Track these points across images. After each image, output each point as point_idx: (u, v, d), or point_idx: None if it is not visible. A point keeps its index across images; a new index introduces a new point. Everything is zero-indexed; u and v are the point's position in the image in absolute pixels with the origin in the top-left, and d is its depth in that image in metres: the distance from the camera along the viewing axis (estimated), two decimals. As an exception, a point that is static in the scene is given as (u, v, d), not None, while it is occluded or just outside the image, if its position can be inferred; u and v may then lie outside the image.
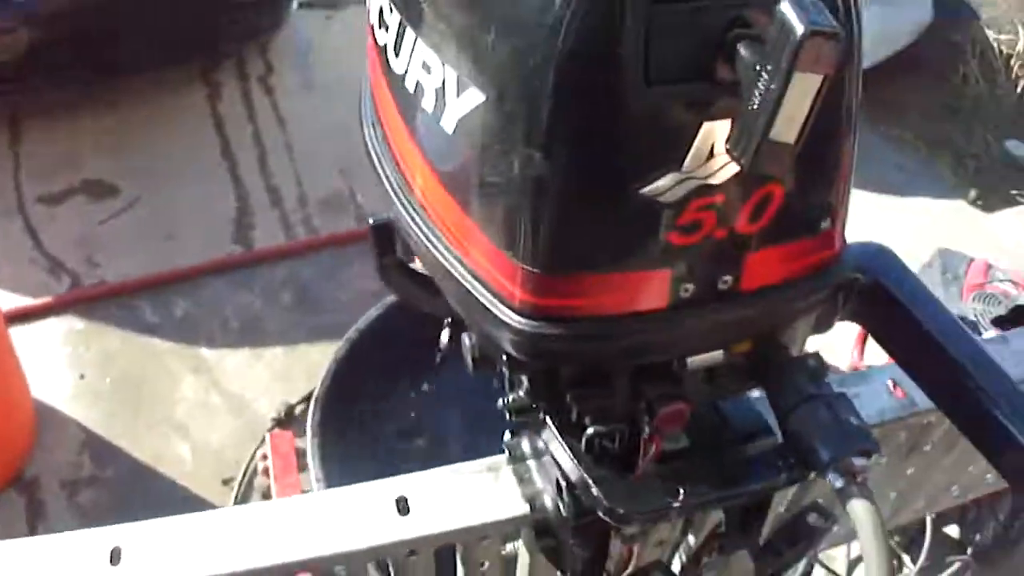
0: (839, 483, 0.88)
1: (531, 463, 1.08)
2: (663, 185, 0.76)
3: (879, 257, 1.08)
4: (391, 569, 1.13)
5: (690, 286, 0.83)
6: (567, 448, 0.92)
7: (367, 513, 1.04)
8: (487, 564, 1.16)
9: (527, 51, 0.72)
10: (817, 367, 0.97)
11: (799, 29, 0.61)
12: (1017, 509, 2.75)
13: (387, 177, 0.99)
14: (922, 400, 1.30)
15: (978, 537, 2.76)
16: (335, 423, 1.74)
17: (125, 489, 2.86)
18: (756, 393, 1.00)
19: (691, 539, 1.14)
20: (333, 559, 1.02)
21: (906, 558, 2.76)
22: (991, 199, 4.24)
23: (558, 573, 1.21)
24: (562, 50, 0.70)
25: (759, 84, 0.65)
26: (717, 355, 0.91)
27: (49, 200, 3.69)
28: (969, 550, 2.76)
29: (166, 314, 3.32)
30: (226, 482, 2.86)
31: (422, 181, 0.89)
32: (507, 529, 1.07)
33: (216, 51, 4.29)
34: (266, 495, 2.74)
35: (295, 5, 4.47)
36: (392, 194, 0.97)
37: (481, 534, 1.06)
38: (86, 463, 2.90)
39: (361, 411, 1.93)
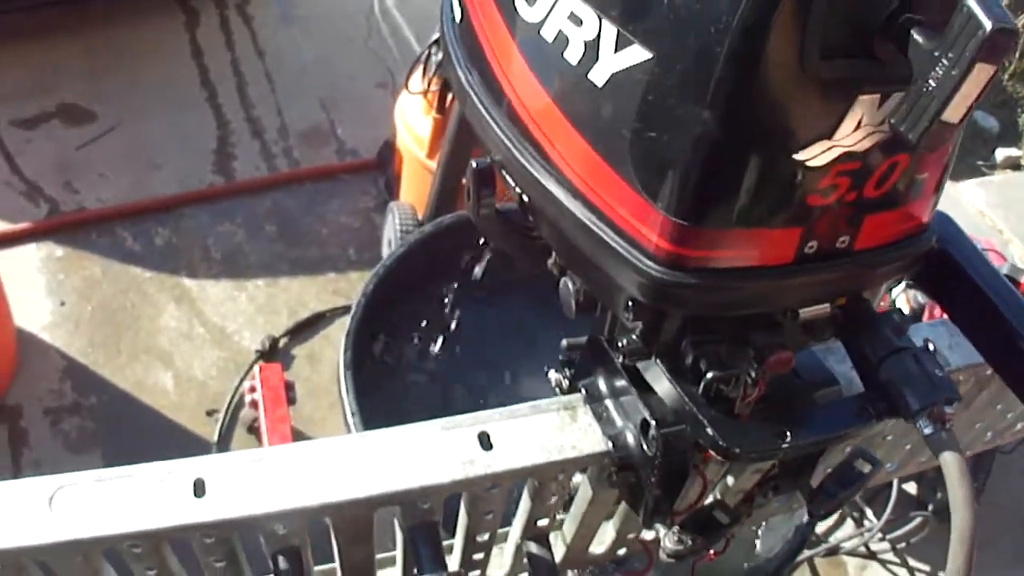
0: (928, 429, 0.95)
1: (609, 402, 1.12)
2: (814, 151, 0.80)
3: (946, 226, 1.13)
4: (464, 503, 1.17)
5: (814, 244, 0.88)
6: (681, 389, 0.97)
7: (452, 448, 1.06)
8: (555, 498, 1.20)
9: (707, 17, 0.75)
10: (900, 322, 1.03)
11: (988, 25, 0.67)
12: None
13: (495, 121, 1.02)
14: (954, 360, 1.36)
15: (938, 495, 2.88)
16: (365, 357, 1.76)
17: (109, 418, 2.86)
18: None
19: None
20: (420, 492, 1.04)
21: (869, 512, 2.86)
22: (956, 168, 4.34)
23: (617, 506, 1.27)
24: (744, 20, 0.74)
25: (936, 69, 0.70)
26: (825, 308, 0.97)
27: (23, 124, 3.62)
28: (929, 506, 2.88)
29: (147, 243, 3.30)
30: (210, 413, 2.87)
31: (551, 128, 0.92)
32: (586, 464, 1.11)
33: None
34: (252, 428, 2.75)
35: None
36: (503, 138, 1.00)
37: (560, 469, 1.10)
38: (68, 391, 2.89)
39: (390, 345, 1.94)
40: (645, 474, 1.05)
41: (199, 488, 0.98)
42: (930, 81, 0.72)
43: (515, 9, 0.95)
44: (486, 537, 1.23)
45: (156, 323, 3.07)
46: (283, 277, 3.28)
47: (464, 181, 1.11)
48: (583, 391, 1.15)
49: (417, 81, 3.09)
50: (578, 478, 1.23)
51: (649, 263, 0.88)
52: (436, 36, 3.03)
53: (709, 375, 0.95)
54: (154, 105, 3.76)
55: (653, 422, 1.02)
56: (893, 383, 0.99)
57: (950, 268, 1.10)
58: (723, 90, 0.77)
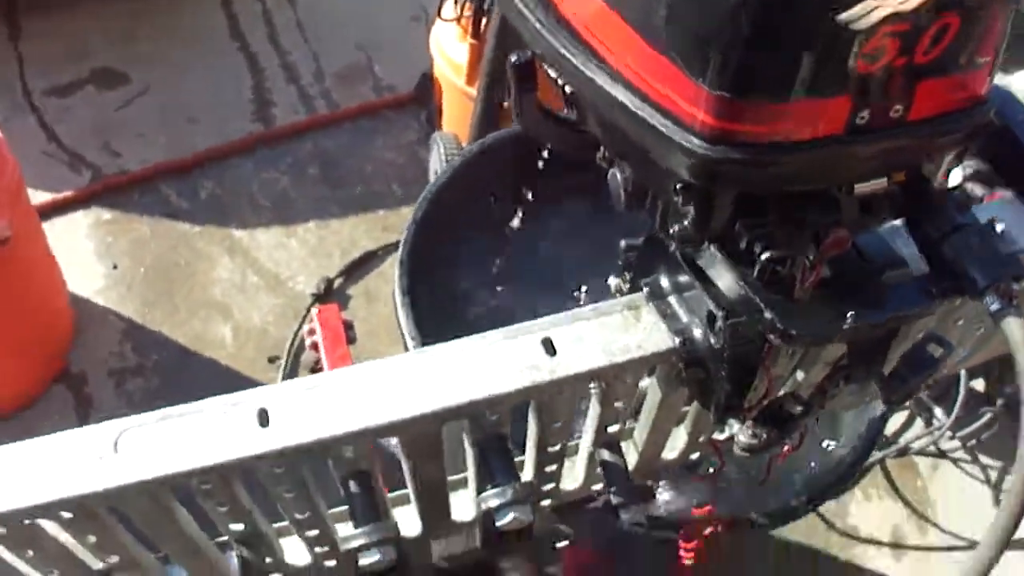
0: (995, 306, 0.95)
1: (672, 299, 1.12)
2: (858, 11, 0.79)
3: (1007, 101, 1.11)
4: (532, 412, 1.18)
5: (866, 114, 0.87)
6: (737, 275, 0.97)
7: (515, 355, 1.07)
8: (623, 402, 1.21)
9: None
10: (963, 198, 1.01)
11: None
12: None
13: (531, 13, 1.01)
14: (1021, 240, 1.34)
15: (1007, 390, 2.84)
16: (420, 285, 1.77)
17: (171, 374, 2.92)
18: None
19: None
20: (486, 402, 1.06)
21: (938, 411, 2.83)
22: (1011, 57, 4.25)
23: (685, 407, 1.27)
24: None
25: None
26: (881, 182, 0.96)
27: (59, 92, 3.67)
28: (999, 402, 2.84)
29: (193, 197, 3.34)
30: (272, 360, 2.91)
31: (588, 13, 0.92)
32: (653, 364, 1.12)
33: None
34: (315, 370, 2.78)
35: None
36: (541, 29, 0.99)
37: (627, 370, 1.11)
38: (129, 353, 2.95)
39: (444, 268, 1.95)
40: (714, 368, 1.06)
41: (263, 418, 1.00)
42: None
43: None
44: (557, 448, 1.24)
45: (210, 276, 3.12)
46: (332, 219, 3.31)
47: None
48: (645, 289, 1.15)
49: (450, 8, 3.08)
50: (646, 381, 1.24)
51: (695, 141, 0.88)
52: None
53: (764, 256, 0.94)
54: (187, 60, 3.79)
55: (720, 313, 1.02)
56: (957, 260, 0.99)
57: (1011, 142, 1.09)
58: (761, -49, 0.76)
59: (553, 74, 1.05)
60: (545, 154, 1.70)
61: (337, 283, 3.08)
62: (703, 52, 0.83)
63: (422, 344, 1.64)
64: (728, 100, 0.84)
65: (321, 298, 3.00)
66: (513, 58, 1.07)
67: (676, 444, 1.39)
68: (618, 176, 1.08)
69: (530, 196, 1.86)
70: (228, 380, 2.87)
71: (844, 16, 0.80)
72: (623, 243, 1.26)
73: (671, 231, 1.01)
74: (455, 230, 1.99)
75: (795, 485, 1.70)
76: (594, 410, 1.22)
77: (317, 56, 3.84)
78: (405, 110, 3.69)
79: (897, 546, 2.80)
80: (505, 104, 2.86)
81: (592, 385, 1.16)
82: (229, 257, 3.14)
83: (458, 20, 3.03)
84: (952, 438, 2.89)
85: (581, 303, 2.06)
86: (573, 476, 1.37)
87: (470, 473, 1.24)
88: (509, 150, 2.06)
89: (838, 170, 0.93)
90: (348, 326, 2.74)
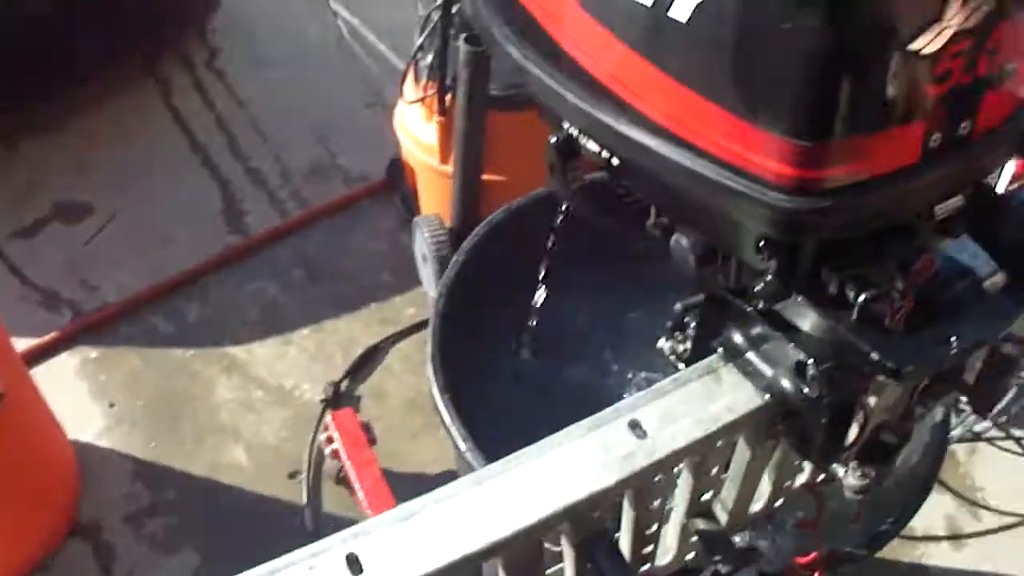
0: (1086, 303, 0.92)
1: (750, 355, 1.10)
2: (927, 37, 0.79)
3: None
4: (627, 499, 1.15)
5: (938, 136, 0.87)
6: (825, 320, 0.95)
7: (605, 445, 1.04)
8: (716, 468, 1.18)
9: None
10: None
11: None
12: None
13: (566, 89, 1.00)
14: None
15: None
16: (455, 375, 1.74)
17: (191, 508, 2.85)
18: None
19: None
20: (587, 502, 1.02)
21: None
22: None
23: (771, 465, 1.25)
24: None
25: None
26: (959, 200, 0.95)
27: (23, 234, 3.62)
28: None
29: (181, 321, 3.29)
30: (292, 475, 2.86)
31: (635, 81, 0.91)
32: (745, 425, 1.09)
33: (159, 38, 4.21)
34: (339, 479, 2.74)
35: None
36: (580, 104, 0.98)
37: (722, 437, 1.08)
38: (142, 493, 2.89)
39: (477, 356, 1.92)
40: (813, 416, 1.04)
41: (354, 565, 0.94)
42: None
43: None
44: (654, 528, 1.21)
45: (212, 400, 3.06)
46: (326, 320, 3.28)
47: (546, 159, 1.08)
48: (719, 350, 1.13)
49: (411, 90, 3.07)
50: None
51: (777, 195, 0.86)
52: (419, 40, 3.01)
53: (861, 298, 0.93)
54: (150, 182, 3.75)
55: (810, 360, 1.00)
56: (1043, 262, 0.97)
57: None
58: (830, -4, 0.75)
59: (596, 147, 1.03)
60: (558, 222, 1.69)
61: (344, 385, 3.03)
62: (776, 103, 0.82)
63: (473, 442, 1.60)
64: (807, 148, 0.83)
65: (331, 403, 2.94)
66: (552, 139, 1.05)
67: (761, 494, 1.36)
68: (683, 242, 1.06)
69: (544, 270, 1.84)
70: (251, 505, 2.80)
71: (915, 45, 0.79)
72: (679, 305, 1.24)
73: (754, 290, 0.99)
74: (479, 315, 1.96)
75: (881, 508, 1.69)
76: (686, 482, 1.19)
77: (279, 157, 3.82)
78: (378, 198, 3.68)
79: (955, 537, 2.78)
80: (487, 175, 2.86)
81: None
82: (228, 376, 3.09)
83: (422, 100, 3.02)
84: (984, 419, 2.90)
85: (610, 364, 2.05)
86: (664, 550, 1.34)
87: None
88: (512, 227, 2.03)
89: (919, 196, 0.92)
90: (366, 428, 2.72)
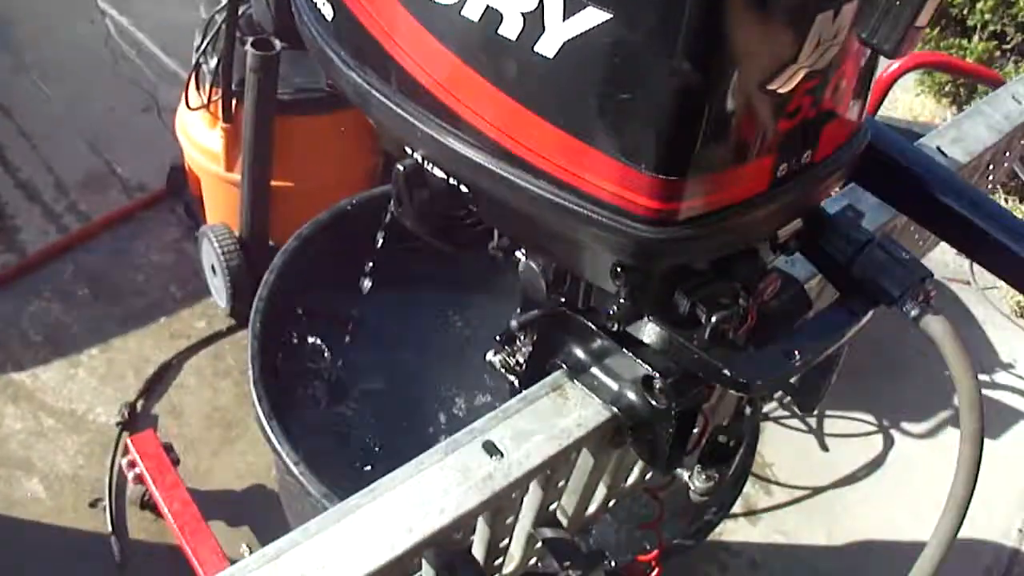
0: (915, 311, 1.01)
1: (595, 370, 1.14)
2: (783, 77, 0.83)
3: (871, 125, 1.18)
4: (483, 519, 1.17)
5: (784, 165, 0.93)
6: (682, 340, 0.99)
7: (463, 468, 1.06)
8: (562, 482, 1.22)
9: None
10: (855, 216, 1.08)
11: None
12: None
13: (414, 117, 1.00)
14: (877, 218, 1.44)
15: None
16: (277, 397, 1.71)
17: (-14, 547, 2.67)
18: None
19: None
20: (453, 526, 1.04)
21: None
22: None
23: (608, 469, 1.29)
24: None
25: None
26: (798, 223, 1.01)
27: None
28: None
29: (-41, 349, 3.09)
30: (93, 504, 2.74)
31: (495, 113, 0.92)
32: (595, 437, 1.13)
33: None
34: (144, 503, 2.65)
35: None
36: (430, 132, 0.99)
37: (574, 450, 1.12)
38: (-71, 536, 2.69)
39: (297, 373, 1.90)
40: (661, 426, 1.08)
41: None
42: (900, -8, 0.75)
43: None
44: (506, 541, 1.23)
45: (0, 431, 2.89)
46: (114, 338, 3.15)
47: (392, 185, 1.08)
48: (563, 366, 1.16)
49: (195, 96, 2.99)
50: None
51: (640, 226, 0.90)
52: (199, 42, 2.93)
53: (714, 319, 0.97)
54: (-94, 203, 3.51)
55: (657, 374, 1.04)
56: (869, 278, 1.04)
57: (883, 163, 1.16)
58: (694, 37, 0.79)
59: (443, 174, 1.04)
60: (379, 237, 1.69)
61: (139, 405, 2.94)
62: (642, 139, 0.84)
63: (305, 465, 1.58)
64: (667, 182, 0.86)
65: (127, 425, 2.85)
66: (400, 167, 1.05)
67: (597, 497, 1.41)
68: (533, 266, 1.08)
69: (367, 282, 1.84)
70: (54, 539, 2.67)
71: (773, 85, 0.83)
72: (514, 322, 1.26)
73: (607, 310, 1.03)
74: (295, 331, 1.94)
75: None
76: (535, 495, 1.22)
77: (52, 167, 3.64)
78: (160, 207, 3.57)
79: (750, 513, 2.95)
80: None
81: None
82: (15, 405, 2.93)
83: (207, 107, 2.94)
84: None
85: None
86: (509, 559, 1.36)
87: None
88: (321, 239, 2.02)
89: (767, 222, 0.98)
90: (168, 448, 2.64)
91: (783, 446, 3.13)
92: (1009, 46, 4.26)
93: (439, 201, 1.05)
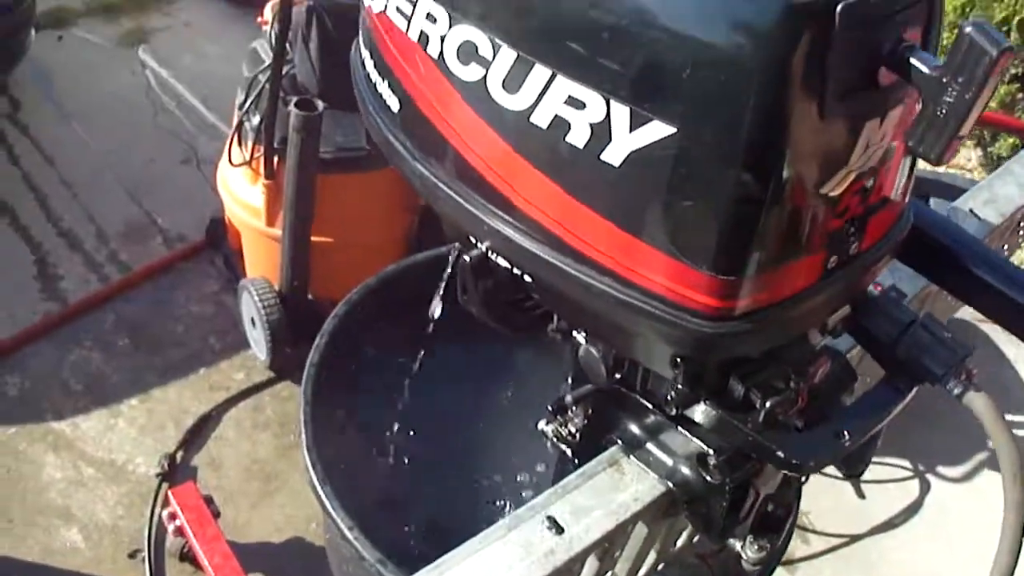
0: (957, 389, 1.06)
1: (650, 446, 1.19)
2: (835, 181, 0.89)
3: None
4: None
5: (834, 258, 0.98)
6: (737, 423, 1.05)
7: (527, 545, 1.11)
8: (618, 552, 1.26)
9: (731, 84, 0.82)
10: (898, 296, 1.13)
11: (993, 51, 0.77)
12: None
13: (484, 211, 1.05)
14: (909, 290, 1.49)
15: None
16: (330, 450, 1.77)
17: (24, 597, 2.73)
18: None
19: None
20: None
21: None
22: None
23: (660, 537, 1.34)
24: (764, 83, 0.82)
25: (947, 95, 0.80)
26: (847, 309, 1.06)
27: None
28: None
29: (1, 397, 3.16)
30: (132, 555, 2.79)
31: (562, 214, 0.97)
32: (652, 511, 1.18)
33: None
34: (183, 555, 2.71)
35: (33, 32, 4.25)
36: (500, 228, 1.04)
37: (631, 524, 1.16)
38: (-32, 583, 2.76)
39: (349, 439, 1.95)
40: (715, 500, 1.13)
41: None
42: (942, 105, 0.81)
43: (490, 97, 0.98)
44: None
45: (40, 479, 2.96)
46: (154, 388, 3.22)
47: (456, 274, 1.14)
48: (619, 442, 1.21)
49: (237, 152, 3.07)
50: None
51: (699, 321, 0.95)
52: (241, 99, 3.01)
53: (768, 404, 1.02)
54: (-46, 250, 3.60)
55: (711, 451, 1.10)
56: (913, 358, 1.09)
57: (923, 241, 1.21)
58: (754, 150, 0.85)
59: (509, 265, 1.09)
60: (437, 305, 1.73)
61: (179, 457, 3.00)
62: (703, 242, 0.90)
63: (360, 530, 1.63)
64: (727, 281, 0.91)
65: (167, 476, 2.91)
66: (466, 258, 1.10)
67: (648, 562, 1.45)
68: (593, 352, 1.14)
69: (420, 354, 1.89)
70: (91, 589, 2.72)
71: (825, 188, 0.89)
72: (568, 397, 1.31)
73: (666, 396, 1.08)
74: (347, 396, 1.99)
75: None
76: (592, 566, 1.26)
77: (93, 217, 3.74)
78: (199, 258, 3.65)
79: (787, 563, 2.97)
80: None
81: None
82: (55, 454, 3.00)
83: (249, 163, 3.02)
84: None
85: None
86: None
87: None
88: (372, 304, 2.08)
89: (819, 312, 1.03)
90: (209, 500, 2.69)
91: (820, 495, 3.15)
92: (1031, 88, 4.30)
93: (503, 290, 1.10)
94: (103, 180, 3.93)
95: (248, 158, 3.03)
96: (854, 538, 3.10)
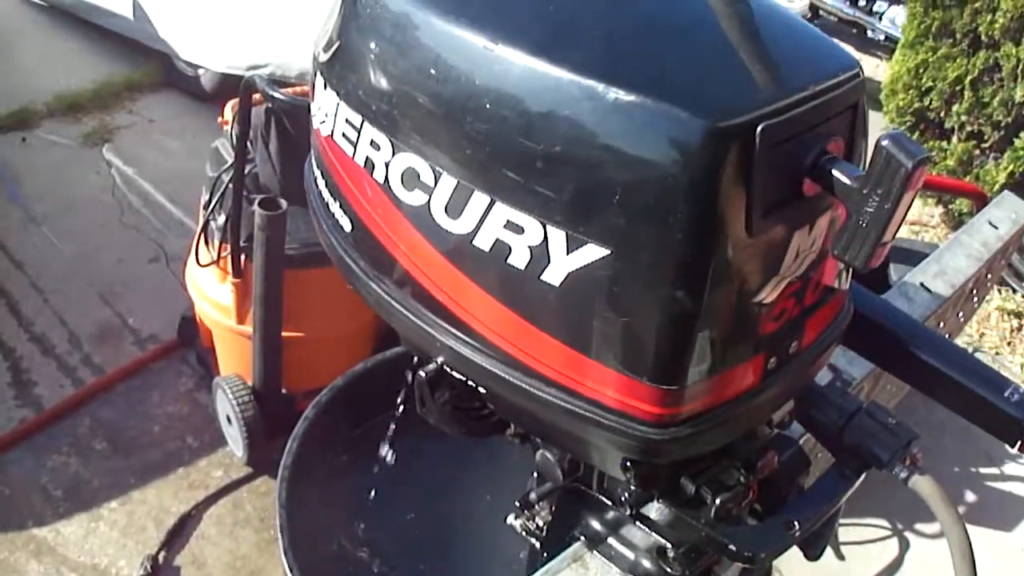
0: (904, 474, 1.10)
1: (611, 540, 1.22)
2: (767, 289, 0.93)
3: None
4: None
5: (774, 359, 1.02)
6: (690, 519, 1.08)
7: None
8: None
9: (660, 209, 0.87)
10: (842, 385, 1.17)
11: (908, 164, 0.81)
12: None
13: (432, 327, 1.09)
14: (856, 373, 1.53)
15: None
16: (309, 553, 1.78)
17: None
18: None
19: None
20: None
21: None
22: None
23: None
24: (691, 202, 0.86)
25: (867, 206, 0.84)
26: (791, 404, 1.10)
27: None
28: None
29: (-23, 508, 3.15)
30: (119, 661, 2.77)
31: (506, 329, 1.02)
32: (618, 607, 1.20)
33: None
34: (172, 657, 2.69)
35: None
36: (449, 343, 1.08)
37: (598, 621, 1.19)
38: None
39: (325, 543, 1.97)
40: (679, 589, 1.16)
41: None
42: (864, 216, 0.85)
43: (435, 221, 1.02)
44: None
45: (22, 587, 2.94)
46: (134, 490, 3.21)
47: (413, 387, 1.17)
48: (582, 538, 1.24)
49: (204, 252, 3.09)
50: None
51: (644, 428, 0.99)
52: (206, 199, 3.05)
53: (718, 501, 1.06)
54: (-76, 361, 3.60)
55: (669, 545, 1.13)
56: (860, 444, 1.13)
57: (865, 322, 1.25)
58: (685, 267, 0.90)
59: (462, 377, 1.13)
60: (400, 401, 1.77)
61: (162, 557, 2.99)
62: (643, 355, 0.94)
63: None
64: (670, 391, 0.95)
65: (151, 577, 2.90)
66: (422, 374, 1.14)
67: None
68: (549, 456, 1.17)
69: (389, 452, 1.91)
70: None
71: (759, 297, 0.93)
72: (533, 495, 1.34)
73: (620, 496, 1.11)
74: (322, 498, 2.01)
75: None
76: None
77: (65, 320, 3.75)
78: (172, 357, 3.66)
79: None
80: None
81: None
82: (37, 560, 2.99)
83: (216, 263, 3.05)
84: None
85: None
86: None
87: None
88: (341, 405, 2.10)
89: (762, 410, 1.07)
90: (194, 600, 2.68)
91: (799, 561, 3.14)
92: (987, 144, 4.38)
93: (460, 400, 1.13)
94: (73, 283, 3.95)
95: (215, 257, 3.05)
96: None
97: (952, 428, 3.26)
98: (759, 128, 0.86)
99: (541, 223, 0.93)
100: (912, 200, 0.86)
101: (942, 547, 2.83)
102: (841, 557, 3.18)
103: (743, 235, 0.90)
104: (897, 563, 3.19)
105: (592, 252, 0.91)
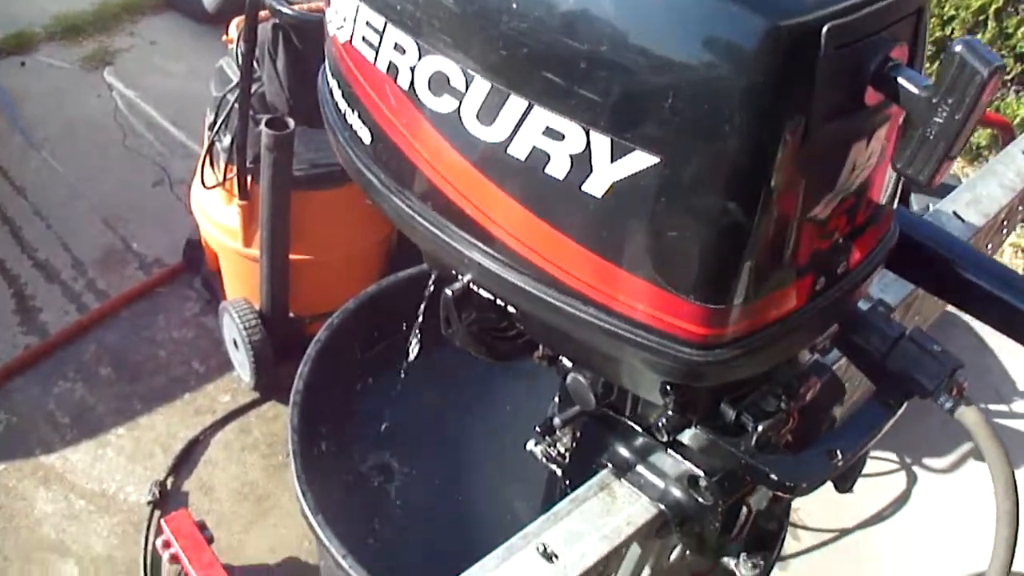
0: (949, 403, 1.04)
1: (640, 468, 1.17)
2: (821, 205, 0.87)
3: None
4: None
5: (822, 279, 0.97)
6: (729, 447, 1.03)
7: (521, 574, 1.09)
8: (613, 574, 1.25)
9: (716, 111, 0.80)
10: (885, 311, 1.11)
11: (984, 71, 0.74)
12: None
13: (463, 243, 1.02)
14: (891, 299, 1.48)
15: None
16: (321, 478, 1.74)
17: (23, 634, 2.70)
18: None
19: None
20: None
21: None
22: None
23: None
24: (749, 108, 0.79)
25: (937, 116, 0.78)
26: (835, 327, 1.04)
27: None
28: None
29: (-15, 435, 3.12)
30: (129, 585, 2.75)
31: (544, 246, 0.95)
32: (645, 533, 1.16)
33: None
34: (180, 582, 2.67)
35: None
36: (481, 260, 1.01)
37: (624, 547, 1.15)
38: (-33, 625, 2.72)
39: (339, 462, 1.93)
40: (707, 521, 1.12)
41: None
42: (932, 127, 0.79)
43: (465, 129, 0.95)
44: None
45: (32, 515, 2.92)
46: (140, 416, 3.18)
47: (441, 307, 1.11)
48: (609, 465, 1.19)
49: (209, 174, 3.03)
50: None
51: (687, 350, 0.93)
52: (211, 119, 2.98)
53: (760, 428, 1.00)
54: (-73, 286, 3.55)
55: (702, 473, 1.08)
56: (904, 372, 1.08)
57: (910, 244, 1.19)
58: (740, 178, 0.83)
59: (490, 296, 1.07)
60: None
61: (170, 483, 2.96)
62: (689, 272, 0.88)
63: (353, 558, 1.61)
64: (716, 310, 0.89)
65: (158, 504, 2.88)
66: (448, 292, 1.08)
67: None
68: (581, 379, 1.12)
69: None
70: (89, 622, 2.68)
71: (813, 212, 0.87)
72: (557, 420, 1.29)
73: (657, 422, 1.06)
74: (335, 420, 1.96)
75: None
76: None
77: (68, 246, 3.69)
78: (177, 281, 3.61)
79: (780, 559, 2.93)
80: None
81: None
82: (46, 488, 2.96)
83: (222, 185, 2.98)
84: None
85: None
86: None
87: None
88: (354, 326, 2.05)
89: (808, 333, 1.01)
90: (202, 527, 2.66)
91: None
92: (1009, 77, 4.30)
93: (487, 321, 1.08)
94: (76, 208, 3.89)
95: (221, 179, 2.99)
96: (844, 532, 3.10)
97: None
98: (825, 28, 0.79)
99: (584, 129, 0.86)
100: (984, 111, 0.79)
101: (949, 481, 2.82)
102: (850, 490, 3.14)
103: (801, 145, 0.83)
104: (905, 496, 3.17)
105: (640, 160, 0.84)
